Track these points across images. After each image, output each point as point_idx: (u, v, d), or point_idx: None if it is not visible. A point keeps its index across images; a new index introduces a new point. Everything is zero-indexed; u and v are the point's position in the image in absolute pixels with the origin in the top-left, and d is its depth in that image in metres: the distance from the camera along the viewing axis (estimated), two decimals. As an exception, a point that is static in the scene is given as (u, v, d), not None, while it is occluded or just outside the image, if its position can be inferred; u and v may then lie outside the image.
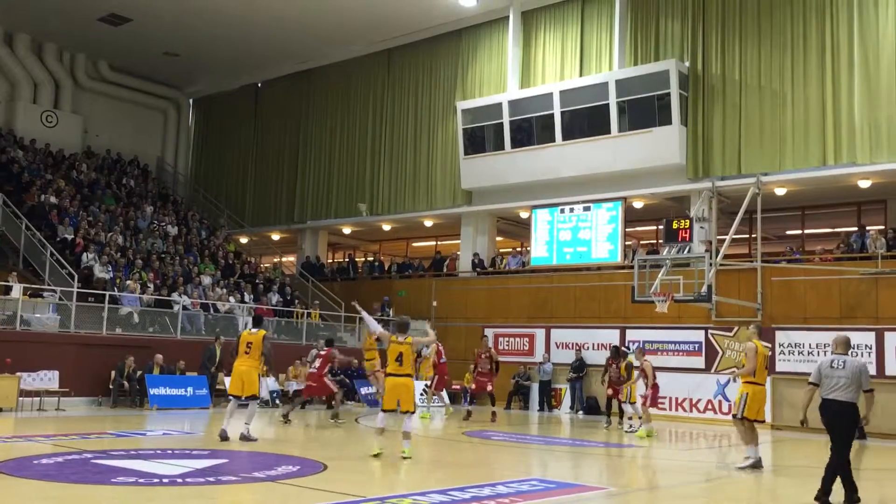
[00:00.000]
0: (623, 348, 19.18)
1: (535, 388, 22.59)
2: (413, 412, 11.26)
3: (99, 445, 11.39)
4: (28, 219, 22.28)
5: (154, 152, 33.73)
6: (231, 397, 12.91)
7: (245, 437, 12.28)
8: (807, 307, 19.44)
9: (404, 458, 10.80)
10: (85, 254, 21.84)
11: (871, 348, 18.05)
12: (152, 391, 18.03)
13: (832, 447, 8.56)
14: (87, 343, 18.26)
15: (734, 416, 11.82)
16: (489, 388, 18.56)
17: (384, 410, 11.49)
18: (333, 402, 17.01)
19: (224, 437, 12.24)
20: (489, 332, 23.85)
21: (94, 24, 27.25)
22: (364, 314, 12.76)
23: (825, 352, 18.49)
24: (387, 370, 11.56)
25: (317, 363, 16.71)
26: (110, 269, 21.51)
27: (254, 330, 13.10)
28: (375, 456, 10.93)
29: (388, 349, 11.44)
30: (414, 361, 11.88)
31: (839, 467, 8.45)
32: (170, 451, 10.98)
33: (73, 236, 22.81)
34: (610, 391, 17.45)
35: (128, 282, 21.10)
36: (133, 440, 12.58)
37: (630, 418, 16.80)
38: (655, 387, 16.09)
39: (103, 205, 26.10)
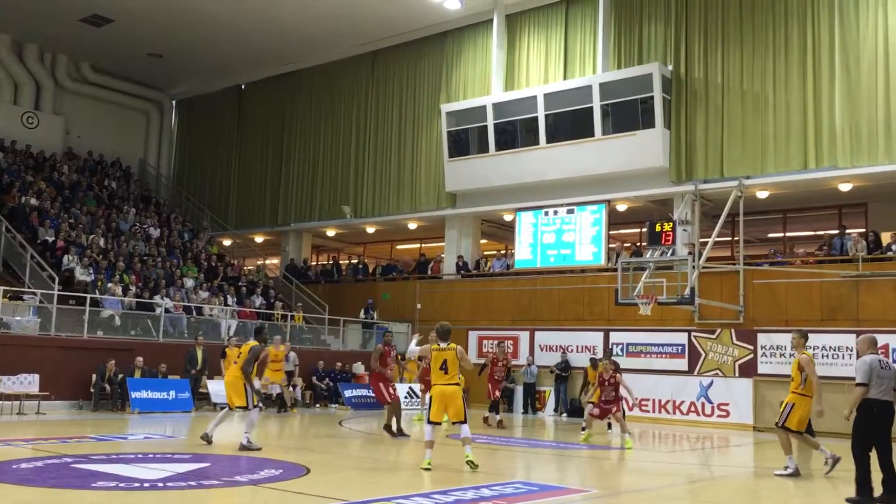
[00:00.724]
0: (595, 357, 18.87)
1: (519, 390, 22.62)
2: (464, 421, 10.57)
3: (79, 450, 11.27)
4: (8, 221, 22.09)
5: (136, 154, 33.52)
6: (226, 406, 12.87)
7: (245, 447, 11.76)
8: (788, 310, 19.58)
9: (469, 462, 10.29)
10: (66, 256, 21.66)
11: (851, 350, 18.18)
12: (134, 395, 17.89)
13: (884, 447, 8.43)
14: (68, 346, 18.11)
15: (777, 424, 11.47)
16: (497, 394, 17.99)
17: (431, 422, 10.78)
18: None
19: (207, 440, 12.15)
20: (472, 335, 23.91)
21: (76, 24, 27.07)
22: (411, 346, 12.04)
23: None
24: (431, 380, 10.97)
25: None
26: (91, 271, 21.35)
27: (249, 340, 13.21)
28: (425, 469, 10.39)
29: (430, 358, 10.91)
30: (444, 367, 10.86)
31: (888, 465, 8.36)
32: (151, 456, 10.89)
33: (53, 238, 22.63)
34: (596, 411, 14.94)
35: (109, 284, 20.94)
36: (114, 444, 12.48)
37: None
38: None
39: (85, 207, 25.90)
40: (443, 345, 10.81)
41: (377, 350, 15.43)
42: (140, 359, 18.62)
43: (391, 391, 15.08)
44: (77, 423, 15.43)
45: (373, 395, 22.26)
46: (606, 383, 14.79)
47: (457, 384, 10.71)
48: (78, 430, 14.05)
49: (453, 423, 10.96)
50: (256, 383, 13.26)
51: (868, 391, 8.47)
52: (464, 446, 10.58)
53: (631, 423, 19.80)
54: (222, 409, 18.30)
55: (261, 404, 13.14)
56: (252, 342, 12.51)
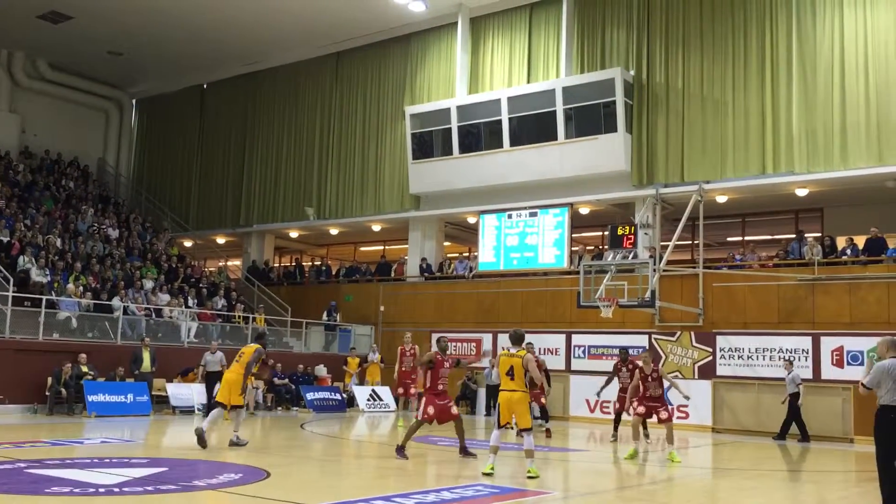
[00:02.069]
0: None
1: (482, 392, 22.63)
2: (530, 429, 10.44)
3: (33, 454, 11.04)
4: (-39, 221, 21.58)
5: (95, 153, 32.98)
6: (218, 404, 12.83)
7: (234, 443, 12.53)
8: (747, 312, 19.88)
9: (530, 477, 10.18)
10: (21, 257, 21.22)
11: (807, 353, 18.54)
12: (90, 398, 17.55)
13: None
14: (23, 349, 17.72)
15: None
16: (542, 400, 16.30)
17: (500, 426, 10.67)
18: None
19: (203, 442, 12.09)
20: (435, 337, 23.81)
21: (34, 21, 26.54)
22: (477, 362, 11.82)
23: (764, 356, 18.99)
24: (500, 385, 10.75)
25: None
26: (48, 272, 20.94)
27: (251, 343, 13.65)
28: (487, 474, 10.20)
29: (498, 363, 10.81)
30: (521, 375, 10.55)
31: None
32: (107, 460, 10.70)
33: (8, 239, 22.15)
34: (642, 409, 13.59)
35: (68, 285, 20.56)
36: (69, 448, 12.24)
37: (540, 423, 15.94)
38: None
39: (42, 206, 25.42)
40: (513, 350, 10.74)
41: (427, 357, 12.65)
42: (82, 355, 18.17)
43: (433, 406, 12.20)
44: (32, 428, 15.11)
45: (335, 398, 22.31)
46: (649, 378, 13.36)
47: (523, 391, 10.50)
48: (32, 434, 13.77)
49: (519, 432, 10.76)
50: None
51: (884, 397, 7.91)
52: (526, 458, 10.43)
53: (593, 425, 20.04)
54: (200, 410, 18.25)
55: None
56: (255, 345, 13.14)
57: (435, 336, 23.30)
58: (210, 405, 18.02)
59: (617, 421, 16.53)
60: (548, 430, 16.46)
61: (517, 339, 10.90)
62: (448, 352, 13.35)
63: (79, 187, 29.31)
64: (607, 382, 16.48)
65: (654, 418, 13.43)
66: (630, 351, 17.46)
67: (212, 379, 18.34)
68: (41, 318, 18.50)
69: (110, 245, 25.29)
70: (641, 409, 13.35)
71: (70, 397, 17.57)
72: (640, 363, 13.75)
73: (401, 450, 11.92)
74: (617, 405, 15.93)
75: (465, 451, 12.12)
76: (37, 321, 18.47)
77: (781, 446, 16.75)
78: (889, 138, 18.64)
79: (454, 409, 12.33)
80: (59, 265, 21.72)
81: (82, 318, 19.90)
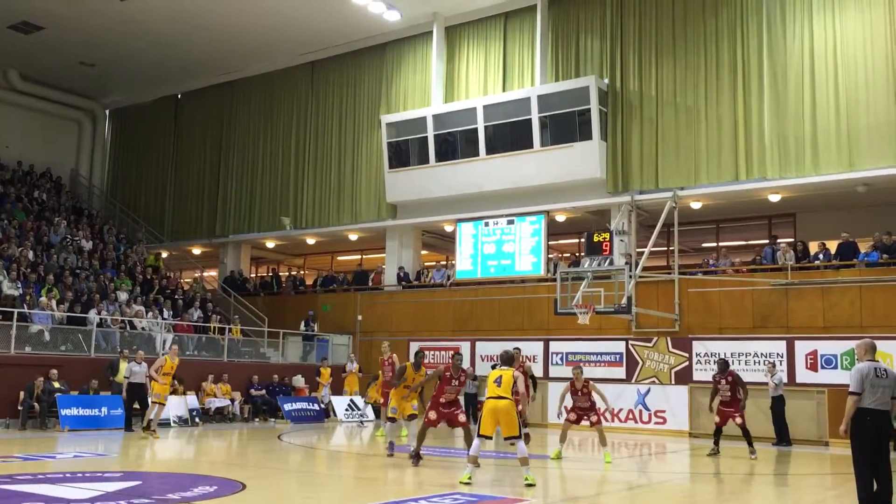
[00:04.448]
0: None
1: (460, 400, 22.55)
2: (518, 436, 10.46)
3: (4, 470, 10.86)
4: (-70, 233, 21.24)
5: (68, 164, 32.67)
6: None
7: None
8: (722, 317, 20.03)
9: (528, 485, 10.16)
10: (-8, 270, 20.93)
11: (782, 357, 18.70)
12: (64, 412, 17.32)
13: (880, 460, 7.86)
14: (-6, 363, 17.46)
15: None
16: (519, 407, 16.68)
17: (481, 436, 10.59)
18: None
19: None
20: (413, 346, 23.81)
21: (5, 32, 26.28)
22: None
23: (740, 360, 19.12)
24: (487, 393, 10.77)
25: None
26: (20, 285, 20.66)
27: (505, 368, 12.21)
28: (465, 483, 10.18)
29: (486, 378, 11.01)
30: (510, 385, 10.62)
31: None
32: (80, 475, 10.55)
33: (-21, 251, 21.85)
34: (718, 419, 14.78)
35: (41, 298, 20.29)
36: (41, 463, 12.05)
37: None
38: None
39: (14, 220, 25.10)
40: (504, 367, 10.91)
41: (435, 373, 12.77)
42: (53, 371, 17.87)
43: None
44: (3, 443, 14.86)
45: (313, 408, 22.17)
46: (579, 392, 13.98)
47: (509, 399, 10.47)
48: (4, 449, 13.54)
49: (506, 440, 10.75)
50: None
51: (862, 400, 7.92)
52: (521, 467, 10.41)
53: (571, 431, 20.04)
54: (176, 423, 17.99)
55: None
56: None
57: (413, 345, 23.52)
58: (130, 418, 17.30)
59: (717, 434, 15.12)
60: (526, 436, 16.33)
61: (508, 361, 11.11)
62: (463, 366, 14.19)
63: (51, 199, 29.00)
64: (712, 397, 15.28)
65: (587, 422, 13.93)
66: (634, 354, 17.41)
67: (134, 391, 17.03)
68: (13, 332, 18.23)
69: (83, 257, 25.01)
70: (573, 416, 14.06)
71: (43, 411, 17.32)
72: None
73: (416, 457, 12.21)
74: (717, 419, 14.92)
75: (474, 462, 11.35)
76: (9, 334, 18.20)
77: (784, 451, 16.52)
78: (859, 144, 18.91)
79: (462, 417, 12.41)
80: (32, 278, 21.44)
81: (55, 330, 19.64)
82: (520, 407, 15.41)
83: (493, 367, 11.35)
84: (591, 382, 14.15)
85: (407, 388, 13.84)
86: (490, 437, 10.78)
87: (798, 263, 19.78)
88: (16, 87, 30.38)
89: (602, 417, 14.31)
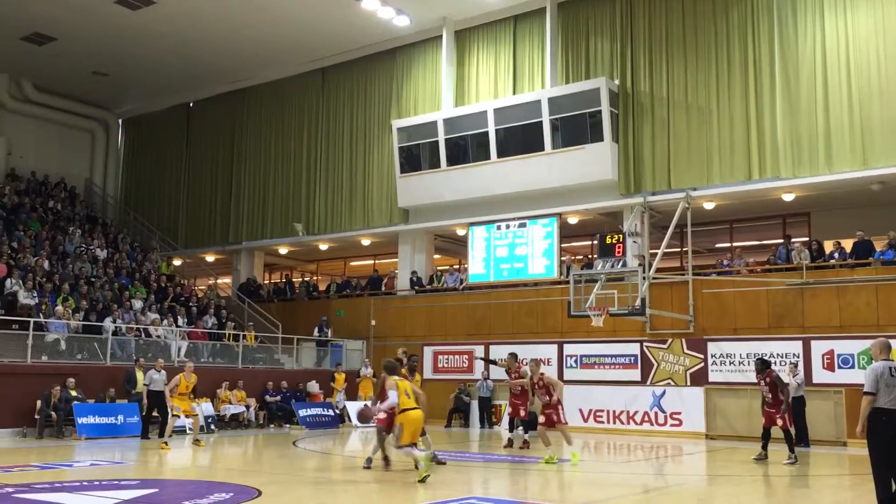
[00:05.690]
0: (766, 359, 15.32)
1: (474, 404, 22.59)
2: (415, 444, 11.38)
3: (22, 479, 10.93)
4: (-53, 244, 21.42)
5: (82, 174, 32.88)
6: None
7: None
8: (736, 318, 19.91)
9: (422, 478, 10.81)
10: (9, 279, 21.08)
11: (798, 357, 18.56)
12: (80, 420, 17.41)
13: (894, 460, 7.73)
14: (12, 372, 17.56)
15: None
16: (521, 413, 16.10)
17: (412, 445, 11.31)
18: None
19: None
20: (427, 350, 23.85)
21: (18, 43, 26.51)
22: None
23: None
24: (403, 405, 11.40)
25: None
26: (36, 294, 20.81)
27: (397, 378, 12.58)
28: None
29: (396, 388, 11.60)
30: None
31: None
32: (97, 483, 10.60)
33: (-5, 262, 22.02)
34: (763, 420, 14.45)
35: (57, 307, 20.42)
36: (58, 472, 12.12)
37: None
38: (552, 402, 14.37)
39: (29, 229, 25.29)
40: (397, 378, 11.76)
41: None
42: (70, 380, 17.97)
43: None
44: (21, 452, 14.96)
45: (327, 414, 22.19)
46: (536, 386, 14.35)
47: (420, 409, 11.52)
48: (22, 458, 13.63)
49: (408, 446, 11.18)
50: None
51: (877, 400, 7.87)
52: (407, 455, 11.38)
53: (587, 434, 20.00)
54: (191, 431, 18.02)
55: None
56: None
57: (427, 349, 23.52)
58: (147, 426, 17.48)
59: (765, 437, 14.51)
60: (525, 442, 16.25)
61: (391, 370, 12.01)
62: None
63: (66, 208, 29.19)
64: (762, 399, 14.85)
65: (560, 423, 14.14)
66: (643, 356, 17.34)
67: (154, 399, 17.09)
68: (29, 341, 18.36)
69: (98, 266, 25.16)
70: (542, 419, 14.20)
71: (60, 420, 17.42)
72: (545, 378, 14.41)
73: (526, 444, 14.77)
74: (764, 420, 14.46)
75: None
76: (25, 344, 18.32)
77: (802, 451, 16.22)
78: (873, 142, 18.77)
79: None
80: (47, 287, 21.59)
81: (71, 339, 19.77)
82: (521, 413, 15.71)
83: (393, 377, 11.87)
84: (545, 375, 14.51)
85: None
86: (416, 445, 11.44)
87: (813, 263, 19.64)
88: (30, 97, 30.63)
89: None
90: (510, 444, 16.40)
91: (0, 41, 26.48)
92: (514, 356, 16.82)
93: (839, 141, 19.15)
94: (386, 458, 12.49)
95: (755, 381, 15.18)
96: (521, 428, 16.46)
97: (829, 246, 20.16)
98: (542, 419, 14.23)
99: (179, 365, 18.24)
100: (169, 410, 16.26)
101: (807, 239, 21.45)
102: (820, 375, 18.36)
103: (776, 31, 20.22)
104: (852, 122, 19.03)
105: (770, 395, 14.26)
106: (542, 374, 14.51)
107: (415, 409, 11.35)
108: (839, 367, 18.19)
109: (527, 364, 15.46)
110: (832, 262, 19.57)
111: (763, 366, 14.50)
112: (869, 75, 18.97)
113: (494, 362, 19.24)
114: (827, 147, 19.28)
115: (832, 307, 18.75)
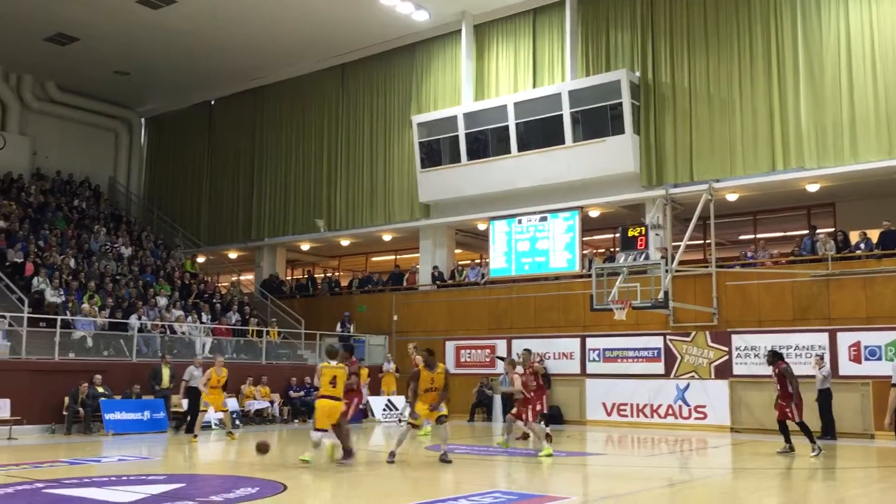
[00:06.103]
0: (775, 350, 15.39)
1: (497, 399, 22.58)
2: (326, 430, 12.09)
3: (51, 474, 11.09)
4: (-25, 244, 21.72)
5: (106, 173, 33.20)
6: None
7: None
8: (761, 310, 19.74)
9: (304, 460, 11.98)
10: (35, 278, 21.36)
11: (824, 349, 18.39)
12: (108, 416, 17.62)
13: None
14: (40, 369, 17.81)
15: None
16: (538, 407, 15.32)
17: (318, 429, 12.01)
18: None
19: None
20: (450, 345, 23.87)
21: (41, 44, 26.80)
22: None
23: (781, 353, 18.81)
24: (323, 391, 12.04)
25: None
26: (62, 292, 21.07)
27: (333, 363, 12.38)
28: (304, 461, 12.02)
29: (320, 374, 12.14)
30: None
31: None
32: (125, 478, 10.73)
33: (22, 260, 22.30)
34: (777, 412, 14.15)
35: (83, 305, 20.66)
36: (87, 467, 12.28)
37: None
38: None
39: (54, 228, 25.59)
40: (332, 363, 12.11)
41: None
42: (97, 376, 18.15)
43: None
44: (50, 448, 15.18)
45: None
46: (527, 374, 14.74)
47: (340, 400, 12.08)
48: (50, 454, 13.83)
49: (325, 429, 12.03)
50: None
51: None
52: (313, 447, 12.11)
53: (611, 428, 19.95)
54: (217, 426, 18.22)
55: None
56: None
57: (449, 344, 23.53)
58: (192, 419, 17.44)
59: (783, 430, 14.30)
60: (548, 436, 16.10)
61: (332, 355, 12.35)
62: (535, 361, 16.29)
63: (90, 207, 29.50)
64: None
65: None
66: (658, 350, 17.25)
67: (193, 395, 17.32)
68: (56, 339, 18.58)
69: (123, 263, 25.42)
70: (515, 410, 14.65)
71: (87, 416, 17.64)
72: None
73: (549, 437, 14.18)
74: (777, 413, 14.25)
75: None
76: (52, 341, 18.55)
77: (829, 444, 16.00)
78: (899, 130, 18.50)
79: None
80: (73, 285, 21.84)
81: (97, 336, 19.99)
82: (524, 420, 15.68)
83: (325, 363, 12.27)
84: (534, 364, 14.92)
85: (428, 392, 12.88)
86: (327, 430, 12.07)
87: (839, 253, 19.41)
88: (54, 98, 30.96)
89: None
90: (525, 437, 16.36)
91: (24, 42, 26.78)
92: (528, 352, 16.89)
93: (864, 130, 18.91)
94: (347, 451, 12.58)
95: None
96: (543, 422, 16.38)
97: (854, 236, 19.92)
98: (515, 410, 14.67)
99: (205, 361, 18.39)
100: (200, 406, 16.47)
101: (832, 229, 21.21)
102: (846, 367, 18.17)
103: (799, 20, 19.99)
104: (878, 111, 18.78)
105: (780, 388, 14.06)
106: (532, 362, 15.00)
107: (331, 396, 11.85)
108: (866, 359, 17.99)
109: (538, 360, 15.60)
110: (858, 252, 19.34)
111: (774, 357, 14.33)
112: (894, 62, 18.70)
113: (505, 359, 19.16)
114: (852, 136, 19.05)
115: (858, 298, 18.54)
